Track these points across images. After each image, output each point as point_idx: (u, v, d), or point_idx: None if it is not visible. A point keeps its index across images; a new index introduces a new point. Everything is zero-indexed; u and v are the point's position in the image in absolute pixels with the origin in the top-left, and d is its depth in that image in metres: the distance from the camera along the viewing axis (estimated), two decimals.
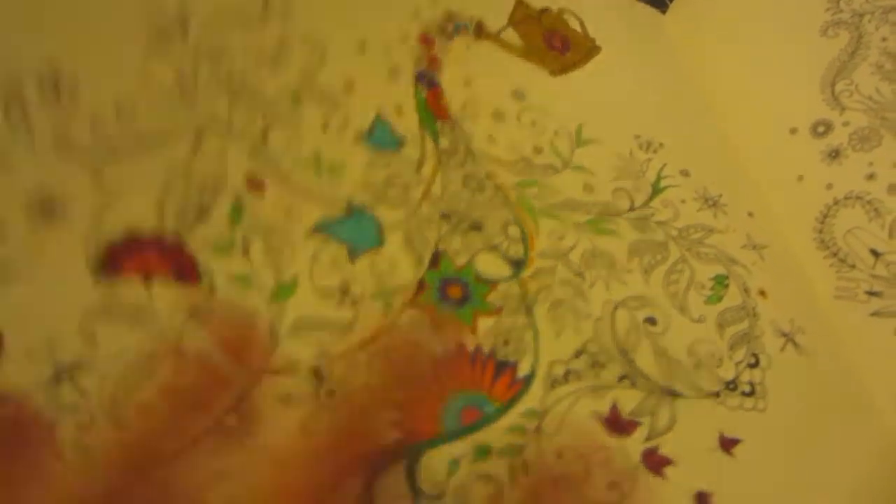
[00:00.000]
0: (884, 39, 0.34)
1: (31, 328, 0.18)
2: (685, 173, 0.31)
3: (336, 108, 0.26)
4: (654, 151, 0.31)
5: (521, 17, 0.36)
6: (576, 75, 0.34)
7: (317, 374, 0.21)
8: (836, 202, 0.31)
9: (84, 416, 0.18)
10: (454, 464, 0.22)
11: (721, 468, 0.25)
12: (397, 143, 0.27)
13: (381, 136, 0.27)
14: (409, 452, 0.21)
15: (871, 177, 0.30)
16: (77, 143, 0.20)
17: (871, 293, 0.29)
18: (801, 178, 0.32)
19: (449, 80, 0.30)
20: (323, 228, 0.23)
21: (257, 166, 0.23)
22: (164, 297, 0.20)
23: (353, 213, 0.24)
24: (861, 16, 0.35)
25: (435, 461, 0.22)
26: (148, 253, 0.20)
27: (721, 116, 0.35)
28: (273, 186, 0.23)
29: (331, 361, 0.21)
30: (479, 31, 0.33)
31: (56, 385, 0.18)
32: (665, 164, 0.31)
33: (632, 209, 0.29)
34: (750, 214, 0.32)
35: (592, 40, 0.36)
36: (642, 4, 0.41)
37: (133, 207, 0.20)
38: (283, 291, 0.22)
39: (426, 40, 0.30)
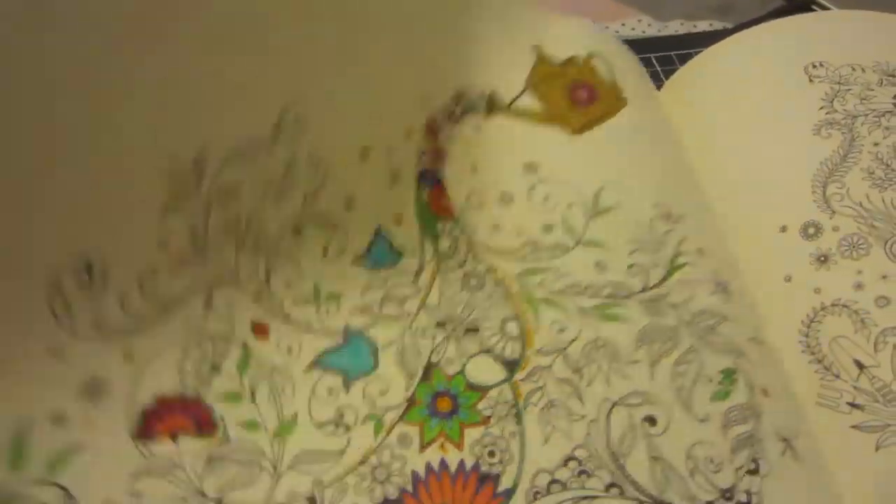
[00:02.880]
0: (875, 144, 0.32)
1: (91, 492, 0.23)
2: (701, 252, 0.30)
3: (335, 230, 0.28)
4: (675, 222, 0.30)
5: (542, 76, 0.35)
6: (597, 134, 0.33)
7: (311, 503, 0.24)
8: (823, 308, 0.28)
9: None
10: None
11: None
12: (396, 258, 0.29)
13: (379, 254, 0.29)
14: None
15: (858, 286, 0.28)
16: (110, 323, 0.25)
17: (853, 405, 0.26)
18: (789, 278, 0.30)
19: (454, 171, 0.31)
20: (320, 362, 0.26)
21: (261, 311, 0.27)
22: (188, 450, 0.24)
23: (350, 339, 0.27)
24: (854, 118, 0.33)
25: None
26: (174, 413, 0.24)
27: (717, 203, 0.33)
28: (276, 328, 0.27)
29: (322, 489, 0.24)
30: (491, 105, 0.33)
31: None
32: (684, 238, 0.30)
33: (644, 290, 0.29)
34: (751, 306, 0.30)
35: (621, 90, 0.34)
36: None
37: (159, 373, 0.25)
38: (284, 429, 0.25)
39: (432, 130, 0.31)
